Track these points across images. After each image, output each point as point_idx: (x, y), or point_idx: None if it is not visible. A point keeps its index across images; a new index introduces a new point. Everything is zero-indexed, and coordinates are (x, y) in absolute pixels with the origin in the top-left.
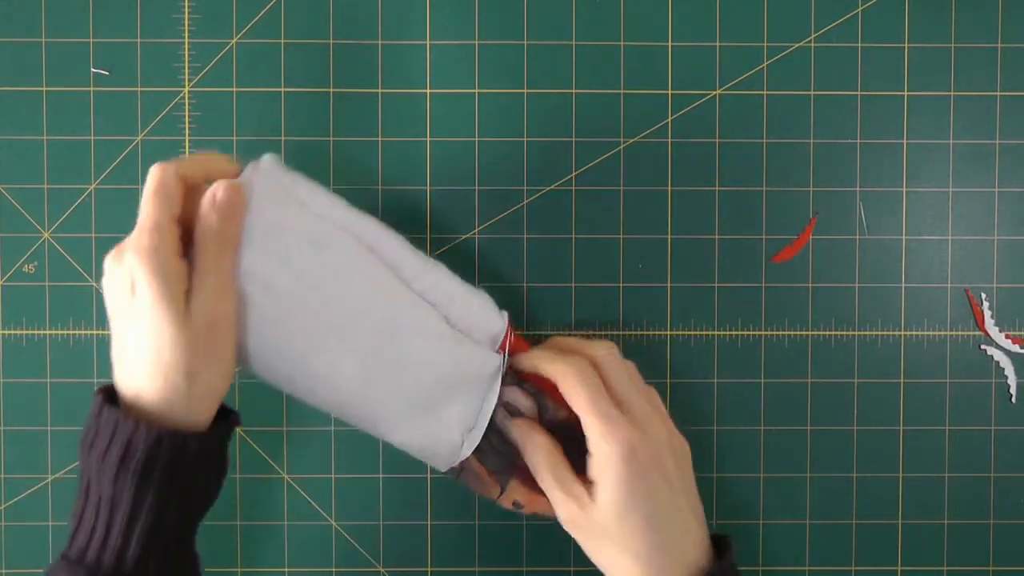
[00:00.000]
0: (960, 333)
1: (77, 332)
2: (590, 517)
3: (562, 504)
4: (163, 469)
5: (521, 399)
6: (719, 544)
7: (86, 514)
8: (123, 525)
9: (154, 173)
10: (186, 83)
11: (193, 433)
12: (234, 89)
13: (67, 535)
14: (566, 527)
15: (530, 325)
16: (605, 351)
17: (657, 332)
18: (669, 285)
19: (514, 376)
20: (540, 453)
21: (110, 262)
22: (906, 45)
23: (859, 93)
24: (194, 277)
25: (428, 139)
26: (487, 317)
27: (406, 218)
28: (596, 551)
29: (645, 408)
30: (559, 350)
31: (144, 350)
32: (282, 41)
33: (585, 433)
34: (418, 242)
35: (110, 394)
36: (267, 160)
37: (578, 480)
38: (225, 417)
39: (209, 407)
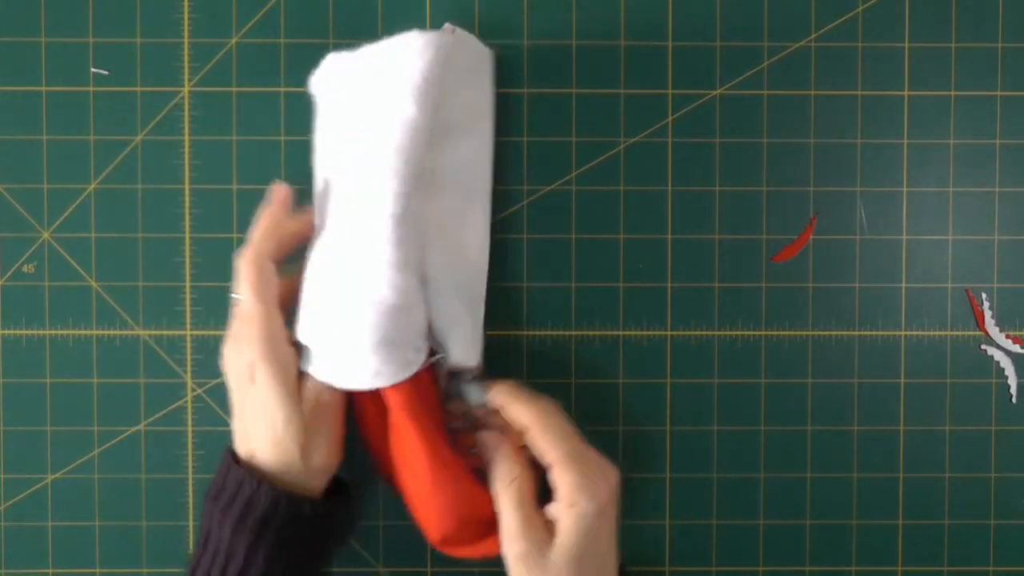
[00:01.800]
0: (960, 333)
1: (77, 332)
2: (544, 557)
3: (517, 540)
4: (278, 529)
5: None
6: None
7: (202, 562)
8: None
9: (246, 270)
10: (186, 83)
11: (307, 497)
12: (234, 89)
13: None
14: (509, 559)
15: (530, 325)
16: (544, 414)
17: (657, 332)
18: (669, 285)
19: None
20: (510, 484)
21: (229, 350)
22: (906, 45)
23: (859, 93)
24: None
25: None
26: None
27: None
28: None
29: (599, 459)
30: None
31: (263, 426)
32: (282, 41)
33: (556, 478)
34: None
35: (235, 453)
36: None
37: (542, 520)
38: (342, 492)
39: (320, 478)
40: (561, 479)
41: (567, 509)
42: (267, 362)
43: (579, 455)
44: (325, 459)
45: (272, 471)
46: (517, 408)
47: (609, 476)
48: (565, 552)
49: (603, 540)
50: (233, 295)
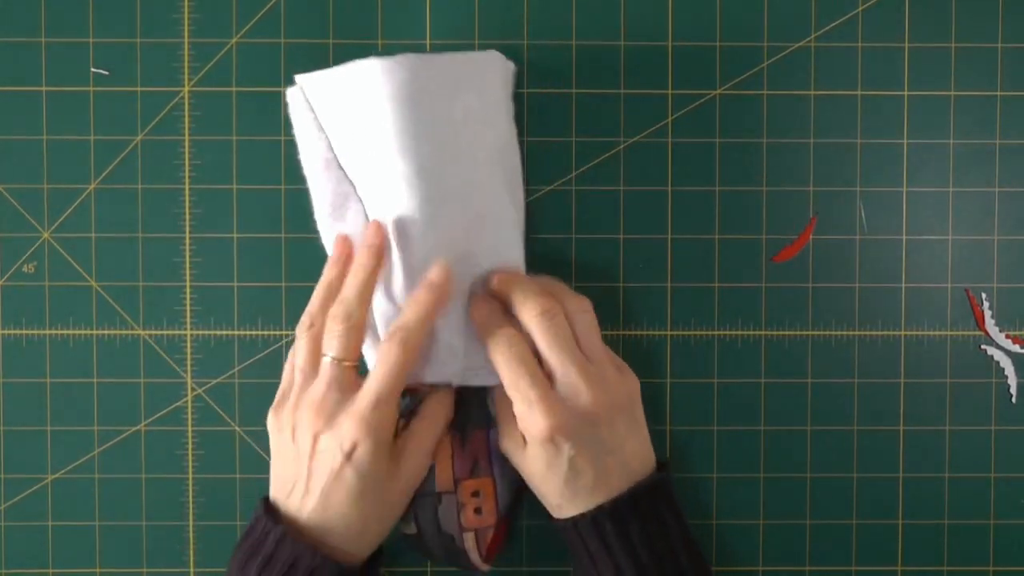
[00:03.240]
0: (960, 333)
1: (77, 332)
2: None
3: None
4: None
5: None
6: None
7: None
8: None
9: (398, 354)
10: (186, 83)
11: (360, 562)
12: (234, 89)
13: None
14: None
15: None
16: (542, 313)
17: (657, 332)
18: (669, 285)
19: None
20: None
21: (325, 430)
22: (906, 45)
23: (859, 93)
24: (414, 438)
25: None
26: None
27: None
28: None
29: (572, 379)
30: (536, 290)
31: (347, 502)
32: (282, 41)
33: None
34: None
35: (270, 510)
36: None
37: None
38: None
39: (378, 544)
40: (515, 406)
41: (520, 429)
42: (376, 447)
43: (521, 381)
44: (393, 524)
45: (337, 545)
46: (516, 295)
47: (572, 394)
48: (528, 463)
49: (568, 458)
50: (329, 356)
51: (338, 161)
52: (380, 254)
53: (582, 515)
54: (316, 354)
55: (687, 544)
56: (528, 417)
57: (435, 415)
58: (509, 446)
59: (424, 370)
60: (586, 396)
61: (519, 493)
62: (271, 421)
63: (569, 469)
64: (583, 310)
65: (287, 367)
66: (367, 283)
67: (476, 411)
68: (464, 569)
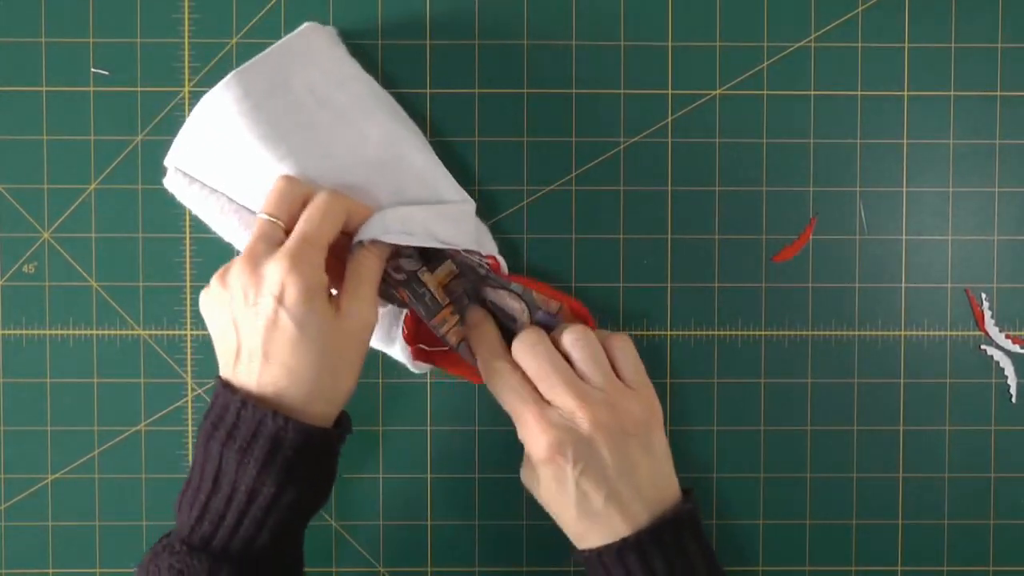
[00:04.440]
0: (960, 333)
1: (77, 332)
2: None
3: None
4: (307, 463)
5: (509, 301)
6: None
7: (213, 503)
8: (261, 514)
9: (327, 199)
10: (186, 83)
11: (327, 428)
12: None
13: (186, 522)
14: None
15: None
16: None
17: (657, 332)
18: (669, 285)
19: (498, 279)
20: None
21: (246, 272)
22: (906, 45)
23: (859, 93)
24: (348, 284)
25: (428, 139)
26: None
27: None
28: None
29: (567, 402)
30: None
31: (290, 351)
32: None
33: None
34: None
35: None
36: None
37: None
38: (344, 419)
39: (340, 405)
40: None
41: (526, 440)
42: (306, 284)
43: (524, 392)
44: (350, 385)
45: (296, 404)
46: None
47: (588, 406)
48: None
49: (573, 478)
50: (264, 214)
51: (240, 204)
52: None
53: (607, 547)
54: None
55: None
56: (530, 440)
57: (370, 263)
58: (527, 478)
59: (370, 226)
60: (581, 417)
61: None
62: (203, 299)
63: (577, 491)
64: (620, 339)
65: None
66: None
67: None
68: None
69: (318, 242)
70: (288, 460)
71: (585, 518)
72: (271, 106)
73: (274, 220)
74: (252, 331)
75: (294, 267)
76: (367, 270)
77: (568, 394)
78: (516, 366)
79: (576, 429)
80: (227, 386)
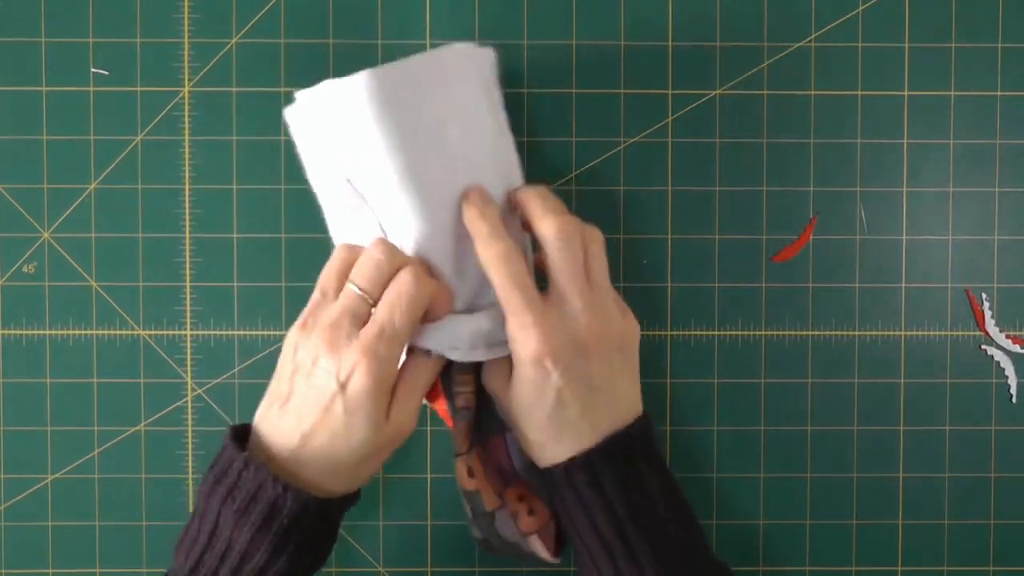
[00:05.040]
0: (960, 333)
1: (77, 332)
2: (559, 309)
3: (530, 306)
4: (303, 531)
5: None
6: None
7: (206, 559)
8: (232, 569)
9: (413, 287)
10: (186, 83)
11: (328, 499)
12: (234, 89)
13: (181, 569)
14: (527, 334)
15: None
16: (559, 233)
17: (657, 332)
18: (669, 285)
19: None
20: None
21: (329, 354)
22: (906, 45)
23: (859, 93)
24: (401, 392)
25: None
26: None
27: None
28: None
29: (575, 305)
30: (558, 208)
31: (329, 435)
32: (282, 41)
33: (540, 227)
34: None
35: (240, 437)
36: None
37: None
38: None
39: (356, 488)
40: (540, 226)
41: (554, 257)
42: (375, 382)
43: (514, 295)
44: (370, 476)
45: (308, 477)
46: (533, 212)
47: (569, 316)
48: (515, 386)
49: (554, 389)
50: (352, 283)
51: (345, 174)
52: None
53: (572, 460)
54: (342, 277)
55: (665, 493)
56: (520, 338)
57: (427, 375)
58: (492, 381)
59: (426, 336)
60: (584, 325)
61: None
62: (291, 335)
63: (555, 400)
64: (596, 240)
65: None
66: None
67: (488, 420)
68: (542, 564)
69: (397, 338)
70: (283, 528)
71: (552, 429)
72: (402, 111)
73: (363, 296)
74: (304, 399)
75: (372, 364)
76: (423, 381)
77: (580, 300)
78: (521, 252)
79: (573, 337)
80: (235, 439)
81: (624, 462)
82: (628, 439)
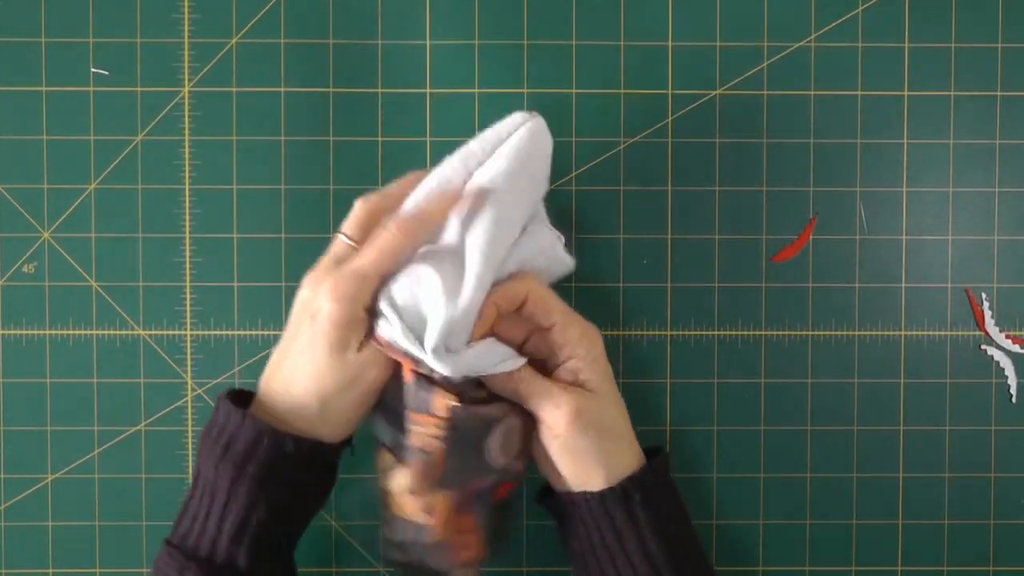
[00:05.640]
0: (960, 333)
1: (77, 332)
2: (591, 392)
3: (566, 393)
4: (259, 464)
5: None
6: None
7: (191, 503)
8: (218, 516)
9: (365, 216)
10: (186, 83)
11: (290, 435)
12: (234, 89)
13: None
14: (563, 420)
15: None
16: (582, 338)
17: (657, 332)
18: (669, 285)
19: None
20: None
21: (310, 281)
22: (906, 45)
23: (859, 93)
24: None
25: (428, 139)
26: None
27: None
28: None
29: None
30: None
31: (296, 368)
32: (282, 41)
33: (559, 334)
34: None
35: (236, 397)
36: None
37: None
38: (326, 450)
39: (332, 434)
40: (567, 332)
41: (581, 354)
42: (340, 317)
43: (573, 314)
44: (347, 418)
45: (285, 415)
46: (513, 285)
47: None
48: (600, 378)
49: (590, 433)
50: (341, 233)
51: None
52: (429, 225)
53: (611, 489)
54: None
55: (686, 520)
56: (550, 412)
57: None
58: (539, 452)
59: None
60: (592, 373)
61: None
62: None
63: (592, 446)
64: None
65: None
66: (422, 220)
67: (468, 466)
68: None
69: (370, 277)
70: (240, 459)
71: (588, 463)
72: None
73: (351, 244)
74: (287, 337)
75: (338, 297)
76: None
77: (581, 344)
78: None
79: (586, 390)
80: (229, 394)
81: (657, 491)
82: (656, 474)
